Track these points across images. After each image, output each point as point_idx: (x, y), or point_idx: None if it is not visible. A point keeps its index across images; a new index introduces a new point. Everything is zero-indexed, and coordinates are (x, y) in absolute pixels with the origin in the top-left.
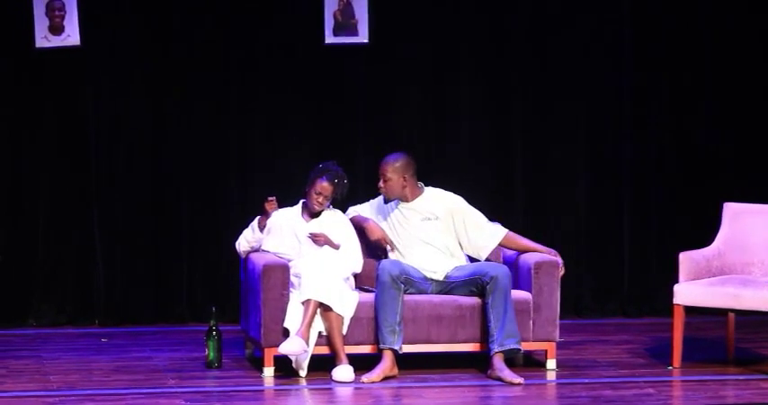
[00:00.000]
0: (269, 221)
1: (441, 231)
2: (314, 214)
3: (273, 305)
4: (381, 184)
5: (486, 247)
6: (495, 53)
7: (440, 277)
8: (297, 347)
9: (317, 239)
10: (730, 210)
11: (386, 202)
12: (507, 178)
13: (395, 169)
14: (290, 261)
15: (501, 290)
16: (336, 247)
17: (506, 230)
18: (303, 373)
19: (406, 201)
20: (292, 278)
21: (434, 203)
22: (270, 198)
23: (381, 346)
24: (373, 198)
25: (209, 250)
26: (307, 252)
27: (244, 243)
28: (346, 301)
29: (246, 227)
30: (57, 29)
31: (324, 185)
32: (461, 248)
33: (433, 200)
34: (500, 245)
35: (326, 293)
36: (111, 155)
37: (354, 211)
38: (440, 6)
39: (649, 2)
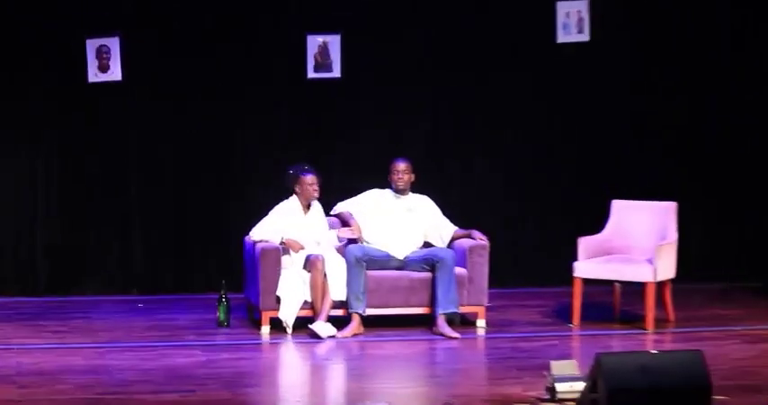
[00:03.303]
0: (277, 213)
1: (416, 221)
2: (308, 205)
3: (269, 279)
4: (403, 176)
5: (447, 234)
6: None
7: (401, 256)
8: (327, 331)
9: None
10: (617, 205)
11: (399, 192)
12: (445, 179)
13: (409, 168)
14: (282, 243)
15: (447, 267)
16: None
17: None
18: (289, 330)
19: (404, 194)
20: (283, 258)
21: (417, 200)
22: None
23: (350, 310)
24: (359, 193)
25: (220, 237)
26: (307, 241)
27: (260, 237)
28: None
29: (261, 219)
30: (104, 68)
31: (313, 178)
32: (425, 236)
33: (415, 197)
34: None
35: (342, 292)
36: (144, 159)
37: (342, 206)
38: (394, 47)
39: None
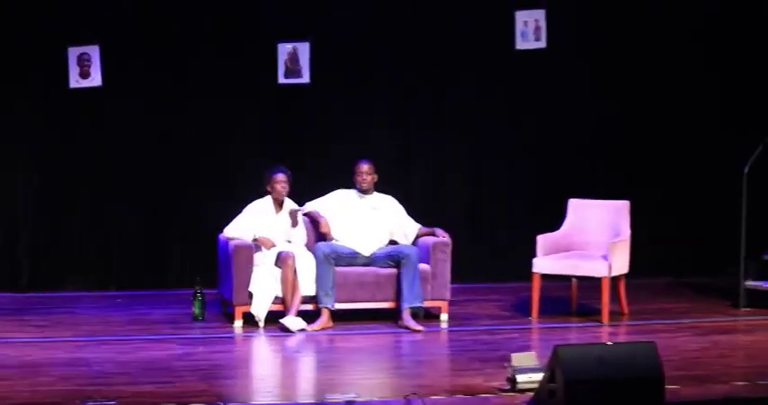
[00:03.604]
0: (250, 211)
1: (381, 219)
2: (280, 203)
3: (242, 275)
4: (366, 177)
5: (411, 232)
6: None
7: (367, 253)
8: (297, 325)
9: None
10: (573, 203)
11: (364, 192)
12: (410, 180)
13: (372, 169)
14: (254, 240)
15: (412, 264)
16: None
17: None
18: (261, 324)
19: (369, 194)
20: (256, 256)
21: (381, 199)
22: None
23: (319, 305)
24: (326, 193)
25: (194, 236)
26: (278, 239)
27: (233, 235)
28: (312, 281)
29: (235, 217)
30: (85, 74)
31: (283, 176)
32: (390, 234)
33: (380, 197)
34: None
35: (311, 288)
36: (122, 160)
37: (311, 205)
38: (361, 54)
39: None
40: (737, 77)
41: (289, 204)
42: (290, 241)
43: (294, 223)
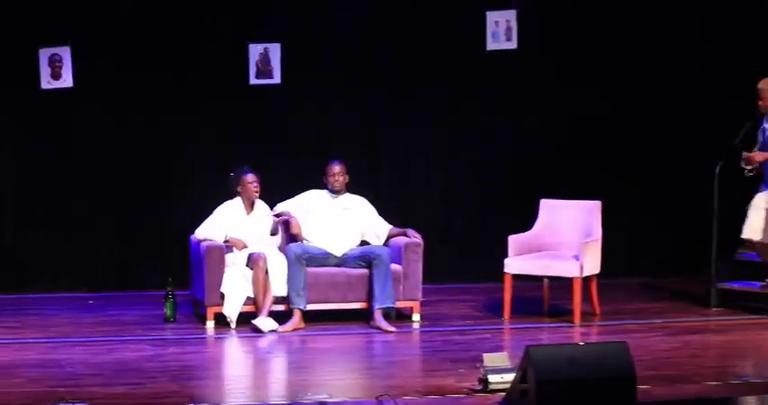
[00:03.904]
0: (221, 213)
1: (352, 220)
2: (251, 204)
3: (213, 276)
4: (338, 178)
5: (383, 233)
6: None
7: (339, 254)
8: (269, 325)
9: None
10: (545, 204)
11: (335, 193)
12: (381, 180)
13: (344, 170)
14: (226, 241)
15: (384, 264)
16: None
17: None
18: (233, 324)
19: (340, 194)
20: (227, 256)
21: (352, 199)
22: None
23: (291, 306)
24: (297, 194)
25: (167, 236)
26: (250, 239)
27: (205, 236)
28: (284, 281)
29: (206, 218)
30: (56, 75)
31: (254, 177)
32: (362, 235)
33: (351, 197)
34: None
35: (283, 289)
36: (93, 161)
37: (282, 206)
38: (332, 54)
39: None
40: (709, 75)
41: (261, 206)
42: (262, 240)
43: (274, 232)
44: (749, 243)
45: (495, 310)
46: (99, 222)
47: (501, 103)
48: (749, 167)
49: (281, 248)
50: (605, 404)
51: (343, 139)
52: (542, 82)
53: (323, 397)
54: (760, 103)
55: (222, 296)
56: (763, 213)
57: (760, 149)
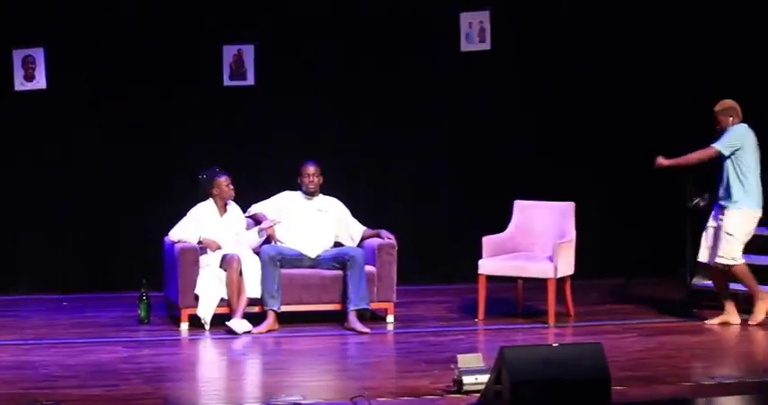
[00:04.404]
0: (194, 214)
1: (326, 221)
2: (224, 205)
3: (187, 277)
4: (313, 179)
5: (356, 234)
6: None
7: (313, 255)
8: (243, 327)
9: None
10: (519, 205)
11: (310, 194)
12: (355, 181)
13: (318, 171)
14: (199, 243)
15: (358, 265)
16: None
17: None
18: (207, 326)
19: (315, 196)
20: (201, 258)
21: (327, 201)
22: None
23: (265, 307)
24: (271, 195)
25: (141, 237)
26: (224, 241)
27: (179, 237)
28: (258, 283)
29: (180, 220)
30: (30, 77)
31: (228, 178)
32: (336, 237)
33: (325, 199)
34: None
35: (257, 290)
36: (66, 162)
37: (256, 207)
38: (306, 56)
39: None
40: (684, 76)
41: (234, 207)
42: (237, 242)
43: (256, 239)
44: (701, 266)
45: (469, 311)
46: (73, 224)
47: (475, 104)
48: (697, 200)
49: (256, 250)
50: None
51: (317, 141)
52: (516, 83)
53: (297, 398)
54: (717, 127)
55: (196, 298)
56: (711, 233)
57: (718, 177)
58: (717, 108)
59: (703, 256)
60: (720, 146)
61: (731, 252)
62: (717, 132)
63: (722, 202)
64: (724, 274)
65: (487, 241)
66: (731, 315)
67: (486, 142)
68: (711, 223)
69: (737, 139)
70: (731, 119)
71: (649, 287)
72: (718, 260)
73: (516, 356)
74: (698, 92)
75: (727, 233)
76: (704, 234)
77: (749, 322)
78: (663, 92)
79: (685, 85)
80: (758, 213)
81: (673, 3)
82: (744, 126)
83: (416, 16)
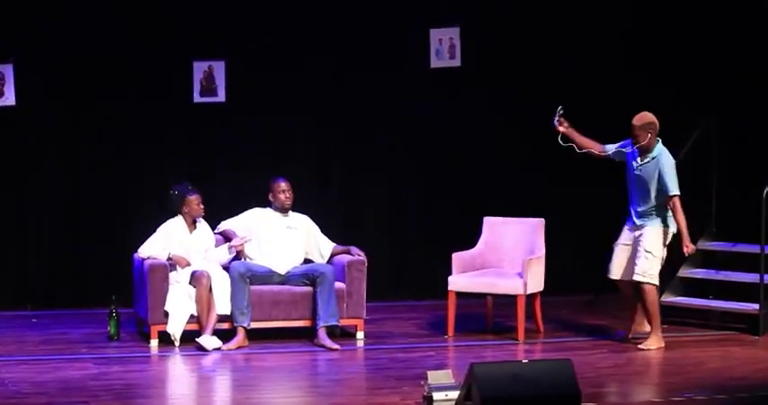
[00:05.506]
0: (164, 231)
1: (296, 238)
2: (193, 222)
3: (157, 294)
4: (288, 195)
5: (326, 251)
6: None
7: (283, 272)
8: (213, 344)
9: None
10: (488, 221)
11: (284, 211)
12: (326, 198)
13: (291, 187)
14: (169, 259)
15: (327, 282)
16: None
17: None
18: (177, 343)
19: (285, 213)
20: (171, 275)
21: (296, 218)
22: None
23: (235, 324)
24: (241, 211)
25: (110, 253)
26: (193, 258)
27: (148, 254)
28: (228, 299)
29: (149, 236)
30: None
31: (198, 197)
32: (306, 253)
33: (295, 216)
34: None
35: (227, 307)
36: (35, 177)
37: (226, 224)
38: (277, 73)
39: None
40: (654, 84)
41: (203, 224)
42: (205, 258)
43: (226, 256)
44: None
45: (439, 327)
46: (43, 239)
47: (445, 120)
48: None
49: (225, 266)
50: None
51: (287, 158)
52: (486, 99)
53: None
54: (634, 141)
55: (166, 314)
56: (624, 250)
57: (626, 185)
58: (636, 122)
59: (614, 273)
60: (676, 189)
61: (650, 270)
62: (634, 145)
63: (639, 220)
64: (637, 291)
65: (457, 258)
66: (642, 325)
67: (456, 158)
68: (624, 240)
69: (673, 167)
70: (650, 135)
71: (619, 303)
72: (636, 278)
73: (486, 373)
74: (674, 108)
75: (647, 251)
76: (616, 250)
77: (640, 346)
78: (636, 107)
79: (662, 99)
80: (673, 230)
81: (641, 19)
82: (664, 147)
83: (387, 32)
